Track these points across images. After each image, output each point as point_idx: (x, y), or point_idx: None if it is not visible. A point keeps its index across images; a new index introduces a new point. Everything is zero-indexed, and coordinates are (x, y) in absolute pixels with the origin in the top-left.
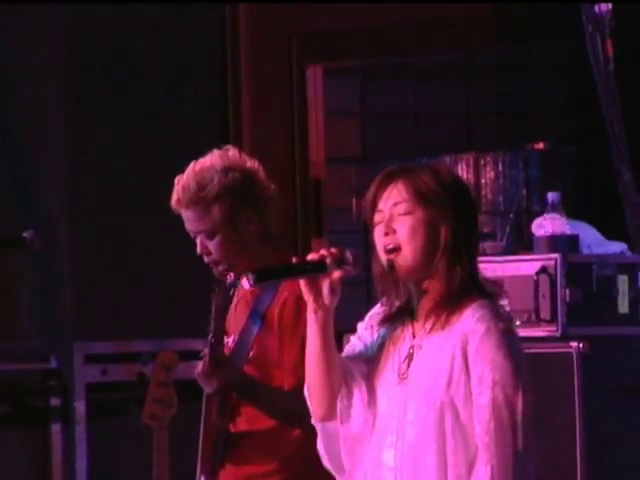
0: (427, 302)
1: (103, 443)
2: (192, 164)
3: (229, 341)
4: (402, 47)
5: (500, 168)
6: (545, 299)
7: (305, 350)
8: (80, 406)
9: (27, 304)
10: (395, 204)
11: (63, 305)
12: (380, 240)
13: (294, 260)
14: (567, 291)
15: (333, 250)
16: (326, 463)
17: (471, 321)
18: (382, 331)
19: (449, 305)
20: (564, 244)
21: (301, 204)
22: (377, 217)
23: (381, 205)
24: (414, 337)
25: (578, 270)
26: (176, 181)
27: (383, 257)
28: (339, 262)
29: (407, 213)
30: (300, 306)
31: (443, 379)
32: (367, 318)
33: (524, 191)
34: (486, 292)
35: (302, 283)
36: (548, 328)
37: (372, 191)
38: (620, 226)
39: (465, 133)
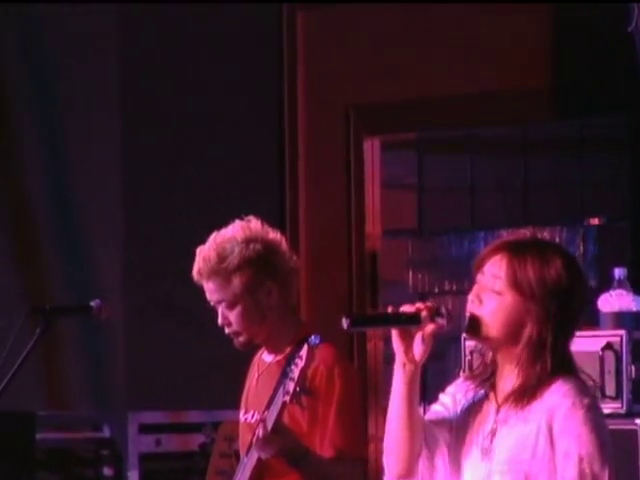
0: (508, 382)
1: None
2: (214, 235)
3: (247, 417)
4: (459, 120)
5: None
6: (610, 375)
7: (340, 417)
8: (133, 476)
9: (80, 373)
10: (492, 278)
11: (117, 375)
12: (468, 301)
13: (389, 310)
14: (632, 368)
15: (429, 303)
16: None
17: (556, 396)
18: (465, 402)
19: (528, 394)
20: (630, 320)
21: (357, 276)
22: (478, 277)
23: (485, 269)
24: (497, 412)
25: None
26: (197, 252)
27: (465, 317)
28: (433, 316)
29: (497, 292)
30: (332, 374)
31: (527, 453)
32: (451, 388)
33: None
34: (572, 370)
35: (394, 334)
36: (613, 405)
37: (482, 254)
38: None
39: (522, 207)
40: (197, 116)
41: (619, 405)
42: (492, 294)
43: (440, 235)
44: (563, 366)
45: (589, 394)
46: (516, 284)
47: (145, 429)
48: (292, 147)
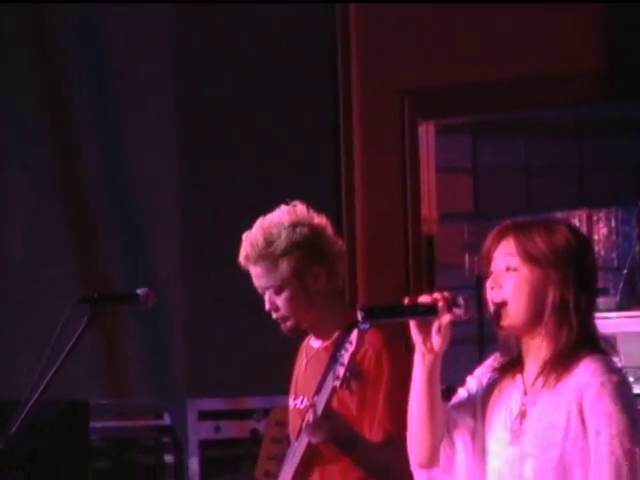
0: (536, 360)
1: None
2: (260, 220)
3: (297, 403)
4: (514, 103)
5: (613, 224)
6: None
7: (389, 401)
8: (193, 463)
9: (141, 361)
10: (504, 259)
11: (176, 362)
12: (488, 292)
13: (406, 301)
14: None
15: (446, 294)
16: None
17: (584, 375)
18: (491, 384)
19: (558, 366)
20: None
21: (413, 260)
22: (492, 266)
23: (496, 254)
24: (525, 394)
25: None
26: (244, 237)
27: (490, 308)
28: (450, 306)
29: (514, 269)
30: (381, 358)
31: (559, 435)
32: (477, 371)
33: (637, 247)
34: (599, 348)
35: (412, 324)
36: None
37: (487, 242)
38: None
39: (577, 189)
40: (252, 103)
41: None
42: (509, 273)
43: (496, 218)
44: (589, 342)
45: (617, 371)
46: (529, 257)
47: (204, 416)
48: (347, 132)
